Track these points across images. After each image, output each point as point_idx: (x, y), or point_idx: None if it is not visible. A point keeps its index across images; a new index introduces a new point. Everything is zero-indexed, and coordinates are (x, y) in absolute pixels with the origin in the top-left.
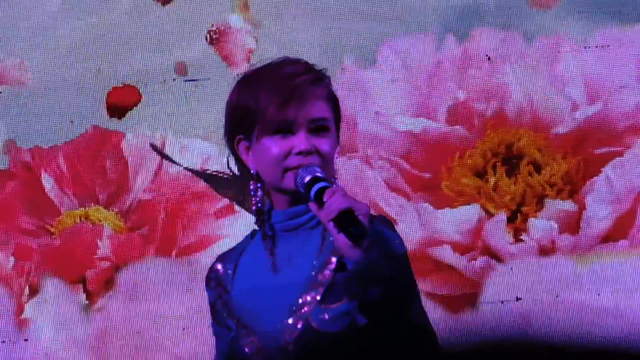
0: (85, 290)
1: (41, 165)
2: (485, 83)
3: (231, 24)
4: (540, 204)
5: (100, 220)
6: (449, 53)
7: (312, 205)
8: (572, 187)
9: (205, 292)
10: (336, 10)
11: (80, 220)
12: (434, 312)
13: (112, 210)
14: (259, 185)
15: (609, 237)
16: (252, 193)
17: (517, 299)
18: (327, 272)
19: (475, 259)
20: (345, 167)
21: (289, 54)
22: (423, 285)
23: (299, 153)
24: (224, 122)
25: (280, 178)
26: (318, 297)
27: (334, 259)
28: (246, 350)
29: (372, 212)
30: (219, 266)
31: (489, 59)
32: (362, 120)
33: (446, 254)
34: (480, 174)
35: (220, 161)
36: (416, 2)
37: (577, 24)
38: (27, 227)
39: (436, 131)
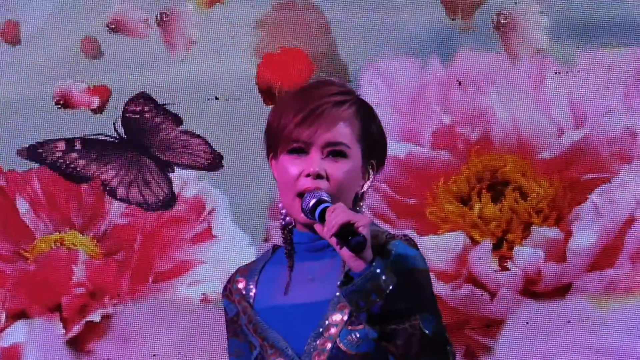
0: (61, 318)
1: (16, 189)
2: (470, 106)
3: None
4: (526, 230)
5: (75, 245)
6: (434, 75)
7: (318, 227)
8: (559, 214)
9: (224, 306)
10: (319, 31)
11: (56, 245)
12: None
13: (88, 235)
14: None
15: (595, 266)
16: (280, 210)
17: None
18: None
19: (459, 287)
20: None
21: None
22: None
23: (308, 175)
24: None
25: (291, 205)
26: (345, 318)
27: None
28: None
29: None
30: (242, 280)
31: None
32: None
33: None
34: (465, 200)
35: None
36: (400, 24)
37: (562, 46)
38: (1, 252)
39: (421, 156)
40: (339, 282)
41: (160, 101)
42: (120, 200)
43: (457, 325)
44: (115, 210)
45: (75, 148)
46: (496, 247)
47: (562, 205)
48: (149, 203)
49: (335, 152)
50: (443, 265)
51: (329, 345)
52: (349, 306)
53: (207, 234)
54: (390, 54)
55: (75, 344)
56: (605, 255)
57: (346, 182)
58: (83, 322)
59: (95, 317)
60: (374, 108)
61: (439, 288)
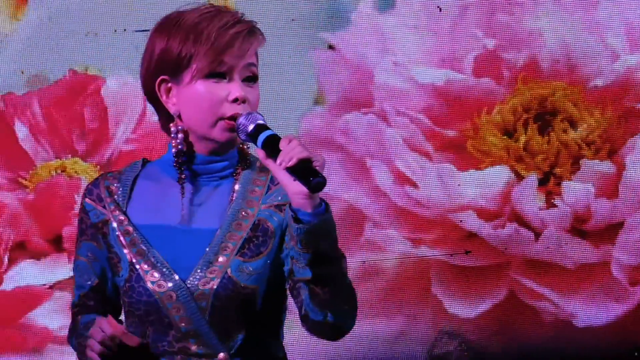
0: (62, 249)
1: (14, 113)
2: (515, 30)
3: None
4: (575, 164)
5: (77, 173)
6: None
7: (260, 153)
8: (611, 146)
9: (87, 210)
10: None
11: (57, 172)
12: (453, 288)
13: (91, 162)
14: (180, 127)
15: None
16: (172, 135)
17: None
18: (242, 224)
19: (502, 226)
20: (359, 124)
21: None
22: (443, 256)
23: (235, 100)
24: (142, 63)
25: (211, 127)
26: (235, 249)
27: (249, 211)
28: (148, 285)
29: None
30: (114, 188)
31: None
32: (379, 71)
33: (470, 220)
34: (510, 132)
35: None
36: None
37: None
38: (0, 180)
39: (461, 84)
40: (291, 219)
41: None
42: None
43: (499, 267)
44: (121, 136)
45: None
46: (542, 182)
47: (615, 136)
48: None
49: (252, 77)
50: (485, 203)
51: (219, 274)
52: (240, 238)
53: None
54: None
55: None
56: None
57: (257, 107)
58: None
59: None
60: (411, 31)
61: (480, 227)
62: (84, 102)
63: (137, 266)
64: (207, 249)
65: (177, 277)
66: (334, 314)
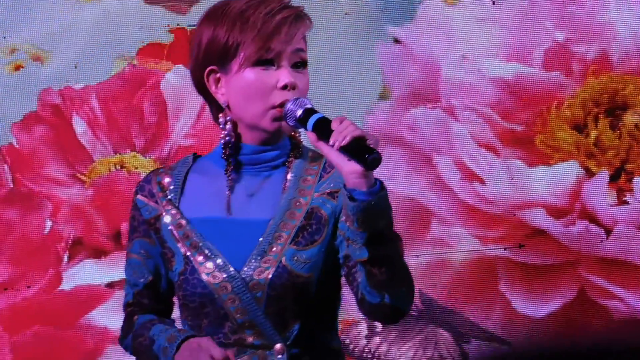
0: (121, 246)
1: (72, 108)
2: (586, 22)
3: None
4: None
5: (136, 168)
6: None
7: (311, 136)
8: None
9: (139, 206)
10: None
11: (115, 167)
12: (522, 286)
13: (150, 157)
14: (228, 118)
15: None
16: (221, 126)
17: None
18: (296, 213)
19: (572, 224)
20: (425, 119)
21: None
22: (511, 253)
23: (284, 87)
24: (190, 55)
25: (261, 116)
26: (290, 238)
27: (302, 199)
28: (203, 277)
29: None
30: (166, 179)
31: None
32: (446, 65)
33: (539, 218)
34: (580, 127)
35: None
36: None
37: None
38: (57, 176)
39: (530, 77)
40: (347, 198)
41: None
42: None
43: (569, 265)
44: (179, 131)
45: None
46: (613, 178)
47: None
48: None
49: (301, 63)
50: (554, 199)
51: (274, 263)
52: (294, 227)
53: None
54: None
55: None
56: None
57: (306, 93)
58: None
59: None
60: (479, 24)
61: (549, 224)
62: (143, 97)
63: (192, 258)
64: (261, 239)
65: (231, 268)
66: (391, 295)
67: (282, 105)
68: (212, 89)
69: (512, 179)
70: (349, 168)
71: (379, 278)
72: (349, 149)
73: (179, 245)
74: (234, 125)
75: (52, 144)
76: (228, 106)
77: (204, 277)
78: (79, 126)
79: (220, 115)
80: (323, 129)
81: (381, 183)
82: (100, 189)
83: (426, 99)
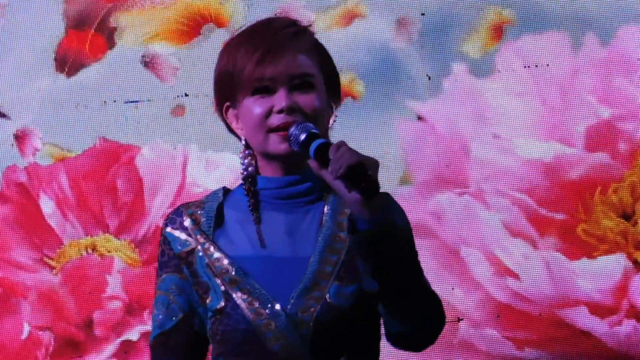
0: (93, 336)
1: (39, 186)
2: (635, 96)
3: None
4: None
5: (109, 252)
6: (589, 58)
7: (313, 164)
8: None
9: (169, 239)
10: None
11: (87, 251)
12: None
13: (124, 239)
14: (247, 152)
15: None
16: (241, 162)
17: None
18: (336, 248)
19: (619, 324)
20: (453, 205)
21: None
22: (552, 357)
23: (280, 111)
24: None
25: (265, 140)
26: (333, 274)
27: (341, 234)
28: (246, 313)
29: None
30: (198, 212)
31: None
32: (476, 144)
33: (582, 317)
34: (628, 215)
35: None
36: None
37: None
38: (23, 260)
39: (571, 159)
40: (347, 230)
41: None
42: None
43: None
44: (157, 210)
45: None
46: None
47: None
48: None
49: (303, 84)
50: (599, 296)
51: (318, 301)
52: (336, 263)
53: None
54: (535, 30)
55: None
56: None
57: (320, 112)
58: (118, 341)
59: (132, 335)
60: (513, 99)
61: (594, 324)
62: (117, 173)
63: (233, 294)
64: (304, 276)
65: (277, 305)
66: (412, 323)
67: (282, 128)
68: (233, 125)
69: (551, 273)
70: (351, 197)
71: (394, 309)
72: (346, 178)
73: (217, 280)
74: (254, 158)
75: (17, 226)
76: (247, 141)
77: (247, 313)
78: (47, 206)
79: (240, 151)
80: (323, 156)
81: (386, 212)
82: (70, 275)
83: (453, 183)
